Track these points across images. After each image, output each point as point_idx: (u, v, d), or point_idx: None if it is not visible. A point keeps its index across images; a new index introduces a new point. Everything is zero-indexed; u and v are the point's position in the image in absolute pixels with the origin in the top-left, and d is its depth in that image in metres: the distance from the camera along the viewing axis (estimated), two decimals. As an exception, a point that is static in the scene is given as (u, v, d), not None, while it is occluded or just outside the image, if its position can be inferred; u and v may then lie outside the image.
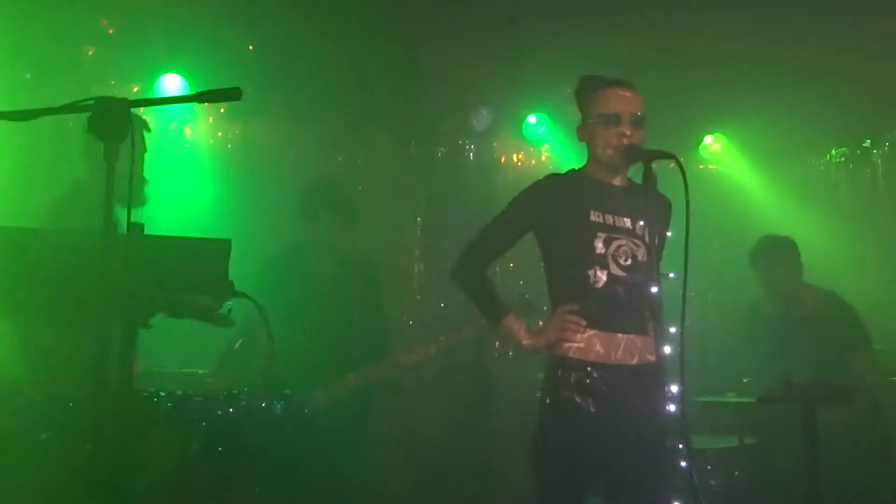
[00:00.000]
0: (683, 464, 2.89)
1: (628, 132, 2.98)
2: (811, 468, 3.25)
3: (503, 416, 4.81)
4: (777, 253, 4.70)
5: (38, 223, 3.48)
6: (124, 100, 2.34)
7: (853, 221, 6.03)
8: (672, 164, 2.91)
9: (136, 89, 5.41)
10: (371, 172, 5.89)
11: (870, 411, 3.24)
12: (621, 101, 3.02)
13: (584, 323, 2.93)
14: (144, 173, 3.45)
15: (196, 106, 5.50)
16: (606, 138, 3.00)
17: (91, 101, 2.31)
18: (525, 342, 3.06)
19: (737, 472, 4.14)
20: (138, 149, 2.88)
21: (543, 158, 6.33)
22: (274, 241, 4.56)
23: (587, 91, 3.12)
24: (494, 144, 6.25)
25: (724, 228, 5.78)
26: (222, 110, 5.55)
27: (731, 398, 4.12)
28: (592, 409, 2.90)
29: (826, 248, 5.63)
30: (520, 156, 6.32)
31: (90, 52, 5.11)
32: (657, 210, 3.03)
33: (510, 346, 5.81)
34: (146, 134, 3.58)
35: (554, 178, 3.11)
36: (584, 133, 3.10)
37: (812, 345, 4.34)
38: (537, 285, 3.30)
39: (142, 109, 4.97)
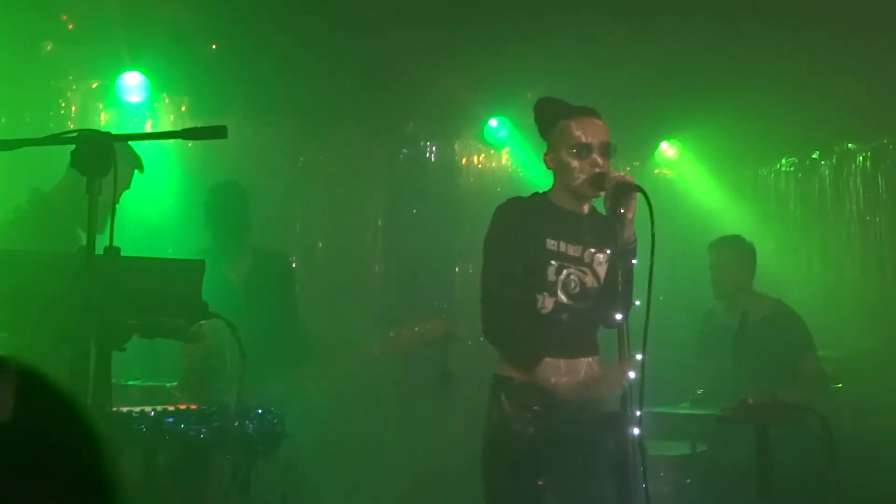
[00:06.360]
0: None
1: (600, 161, 3.02)
2: (763, 482, 3.39)
3: (467, 417, 4.87)
4: (732, 251, 4.74)
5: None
6: (108, 134, 2.34)
7: (800, 230, 6.23)
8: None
9: (94, 85, 5.35)
10: (333, 173, 5.90)
11: (820, 427, 3.38)
12: (592, 131, 3.03)
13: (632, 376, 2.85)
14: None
15: (156, 103, 5.46)
16: (580, 168, 3.02)
17: (74, 134, 2.31)
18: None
19: (689, 480, 4.26)
20: (121, 184, 2.87)
21: (504, 161, 6.42)
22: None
23: (553, 117, 3.10)
24: (456, 146, 6.30)
25: (676, 232, 5.89)
26: (183, 108, 5.49)
27: (685, 409, 4.23)
28: (532, 429, 2.96)
29: (774, 253, 5.82)
30: (480, 158, 6.39)
31: (48, 48, 5.00)
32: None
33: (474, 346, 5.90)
34: (137, 173, 3.58)
35: (517, 202, 3.11)
36: (554, 162, 3.10)
37: (763, 352, 4.43)
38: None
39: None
